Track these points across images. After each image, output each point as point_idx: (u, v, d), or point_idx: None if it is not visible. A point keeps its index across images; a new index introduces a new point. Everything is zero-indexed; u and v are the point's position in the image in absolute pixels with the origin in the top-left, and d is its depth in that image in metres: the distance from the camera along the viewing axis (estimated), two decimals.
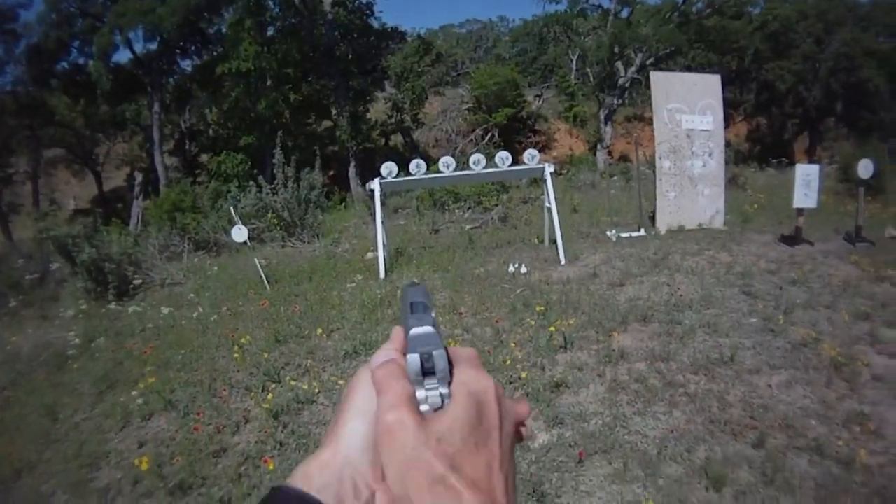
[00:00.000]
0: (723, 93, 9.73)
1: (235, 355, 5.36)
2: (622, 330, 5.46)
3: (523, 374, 4.66)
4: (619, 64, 24.99)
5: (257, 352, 5.54)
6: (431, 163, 8.89)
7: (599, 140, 25.63)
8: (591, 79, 27.72)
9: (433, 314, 0.49)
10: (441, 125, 28.27)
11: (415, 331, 0.47)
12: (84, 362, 6.16)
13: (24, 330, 7.72)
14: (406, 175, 8.40)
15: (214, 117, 26.61)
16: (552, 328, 5.26)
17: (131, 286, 8.85)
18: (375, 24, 25.81)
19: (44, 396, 5.37)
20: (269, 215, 11.18)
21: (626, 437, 3.88)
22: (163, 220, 12.79)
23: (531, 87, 33.13)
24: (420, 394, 0.44)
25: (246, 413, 4.58)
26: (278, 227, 11.18)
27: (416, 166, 8.25)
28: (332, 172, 26.62)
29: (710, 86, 9.55)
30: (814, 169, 8.00)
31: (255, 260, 8.05)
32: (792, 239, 7.99)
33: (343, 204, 18.79)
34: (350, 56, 24.78)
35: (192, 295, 8.09)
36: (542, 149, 28.34)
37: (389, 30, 26.35)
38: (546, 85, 32.82)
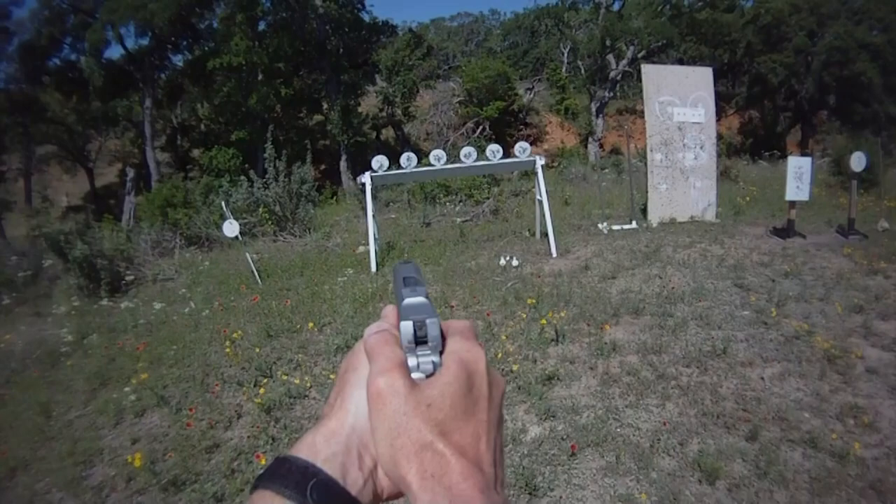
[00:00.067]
0: (715, 86, 9.75)
1: (227, 350, 5.34)
2: (614, 322, 5.46)
3: (515, 367, 4.66)
4: (610, 57, 25.05)
5: (249, 347, 5.51)
6: (422, 156, 8.86)
7: (591, 133, 25.70)
8: (583, 72, 27.82)
9: (425, 289, 0.49)
10: (432, 119, 28.25)
11: (408, 300, 0.47)
12: (77, 359, 6.13)
13: (17, 327, 7.69)
14: (397, 168, 8.39)
15: (206, 112, 26.56)
16: (544, 321, 5.25)
17: (123, 282, 8.84)
18: (366, 18, 25.83)
19: (37, 393, 5.34)
20: (261, 210, 11.16)
21: (618, 429, 3.88)
22: (155, 215, 12.79)
23: (522, 81, 33.12)
24: (412, 361, 0.44)
25: (238, 408, 4.57)
26: (270, 222, 11.16)
27: (407, 160, 8.22)
28: (323, 166, 26.66)
29: (701, 78, 9.55)
30: (806, 162, 8.02)
31: (247, 254, 8.03)
32: (784, 231, 8.02)
33: (334, 198, 18.80)
34: (341, 50, 24.75)
35: (183, 290, 8.07)
36: (534, 142, 28.37)
37: (380, 23, 26.31)
38: (537, 78, 32.81)
